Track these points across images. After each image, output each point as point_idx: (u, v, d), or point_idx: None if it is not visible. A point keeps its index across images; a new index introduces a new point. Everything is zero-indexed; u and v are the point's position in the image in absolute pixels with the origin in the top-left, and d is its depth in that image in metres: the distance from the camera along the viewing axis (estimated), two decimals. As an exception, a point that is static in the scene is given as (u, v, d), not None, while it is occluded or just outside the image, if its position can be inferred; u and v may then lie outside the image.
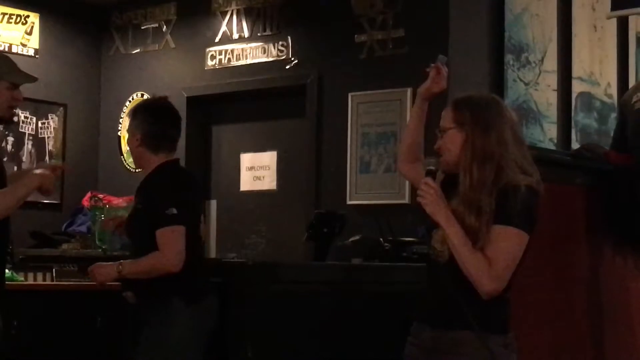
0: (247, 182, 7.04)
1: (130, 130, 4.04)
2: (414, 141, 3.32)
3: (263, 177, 6.95)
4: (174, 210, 3.75)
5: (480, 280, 2.88)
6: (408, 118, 5.92)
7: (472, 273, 2.88)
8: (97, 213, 5.35)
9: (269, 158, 6.91)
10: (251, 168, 7.01)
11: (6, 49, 7.06)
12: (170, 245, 3.74)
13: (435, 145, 3.04)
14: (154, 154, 3.97)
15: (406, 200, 5.95)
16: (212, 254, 7.03)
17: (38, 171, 4.02)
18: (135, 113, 4.04)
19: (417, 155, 3.32)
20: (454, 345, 2.94)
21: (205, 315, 3.83)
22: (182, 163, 7.05)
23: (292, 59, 6.66)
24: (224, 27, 7.04)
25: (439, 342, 2.97)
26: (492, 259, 2.89)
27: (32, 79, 4.21)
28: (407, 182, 5.71)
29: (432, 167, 2.98)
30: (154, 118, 4.00)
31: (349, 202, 6.19)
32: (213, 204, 7.22)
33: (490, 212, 2.90)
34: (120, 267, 3.83)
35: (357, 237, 5.30)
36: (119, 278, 3.86)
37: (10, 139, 7.13)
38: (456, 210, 2.92)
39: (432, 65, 3.22)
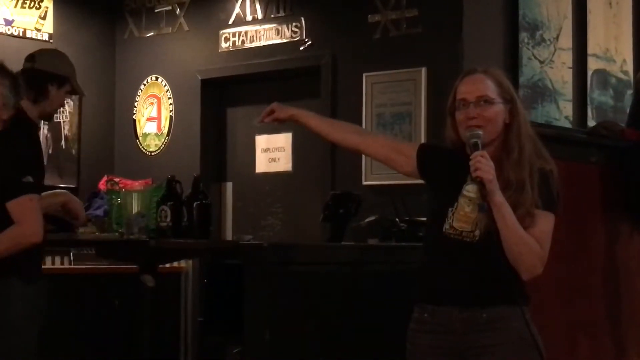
0: (262, 164, 7.04)
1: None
2: (350, 143, 3.35)
3: (278, 159, 6.95)
4: (30, 179, 3.64)
5: (532, 261, 2.93)
6: (422, 98, 5.95)
7: (524, 253, 2.91)
8: (113, 197, 5.34)
9: (284, 139, 6.91)
10: (266, 150, 7.01)
11: (20, 34, 7.07)
12: (31, 215, 3.63)
13: (471, 114, 2.98)
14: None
15: (422, 180, 5.92)
16: (229, 236, 7.05)
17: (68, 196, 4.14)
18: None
19: (358, 140, 3.34)
20: (499, 320, 2.94)
21: (41, 295, 3.75)
22: (197, 145, 7.23)
23: (306, 40, 6.64)
24: (237, 9, 7.02)
25: (480, 321, 2.94)
26: (540, 241, 2.93)
27: (82, 93, 4.43)
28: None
29: (476, 140, 2.94)
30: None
31: (364, 183, 6.18)
32: (229, 186, 7.23)
33: (532, 192, 2.92)
34: None
35: (373, 218, 5.29)
36: None
37: (26, 124, 7.13)
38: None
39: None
